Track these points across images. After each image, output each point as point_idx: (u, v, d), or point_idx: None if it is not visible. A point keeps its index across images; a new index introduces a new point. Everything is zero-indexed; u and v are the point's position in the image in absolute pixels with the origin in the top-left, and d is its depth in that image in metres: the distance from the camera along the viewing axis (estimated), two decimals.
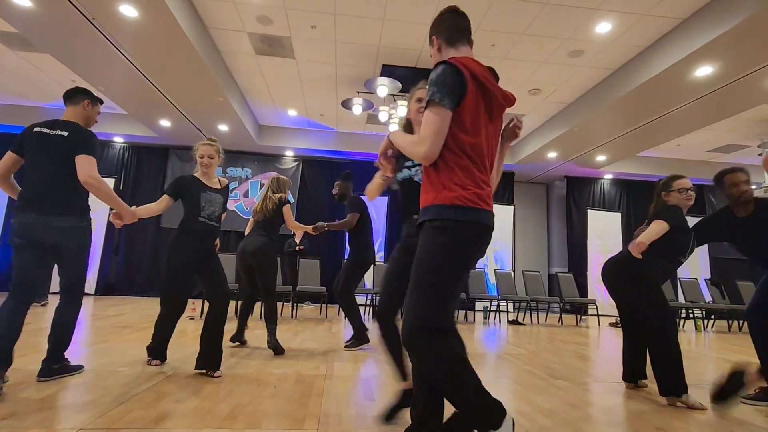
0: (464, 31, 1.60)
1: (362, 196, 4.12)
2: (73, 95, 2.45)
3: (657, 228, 2.43)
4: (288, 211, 3.61)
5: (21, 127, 7.96)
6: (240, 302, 3.87)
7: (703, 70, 4.74)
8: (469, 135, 1.42)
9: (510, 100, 1.63)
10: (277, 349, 3.34)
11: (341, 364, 3.07)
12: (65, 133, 2.30)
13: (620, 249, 9.02)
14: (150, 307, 6.38)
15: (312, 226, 3.79)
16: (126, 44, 4.85)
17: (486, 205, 1.44)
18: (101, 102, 2.58)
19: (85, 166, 2.26)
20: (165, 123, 7.45)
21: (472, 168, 1.41)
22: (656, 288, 2.52)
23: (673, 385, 2.38)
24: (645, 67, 5.12)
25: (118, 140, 8.69)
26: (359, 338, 3.82)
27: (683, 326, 7.36)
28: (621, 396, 2.57)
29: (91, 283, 8.01)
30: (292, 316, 6.01)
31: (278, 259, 3.66)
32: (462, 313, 7.27)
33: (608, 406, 2.35)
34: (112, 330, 4.03)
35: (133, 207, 2.59)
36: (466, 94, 1.41)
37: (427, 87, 1.69)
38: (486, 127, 1.49)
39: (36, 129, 2.29)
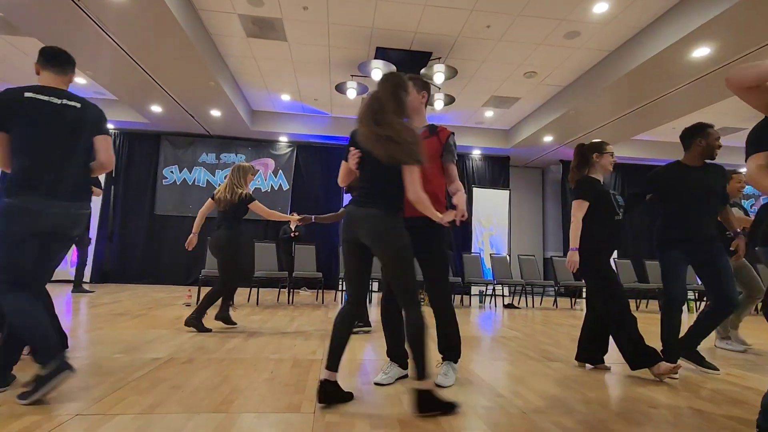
0: None
1: None
2: (64, 63, 2.06)
3: (578, 211, 2.68)
4: (258, 207, 3.68)
5: None
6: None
7: (700, 51, 4.70)
8: None
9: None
10: (191, 323, 3.45)
11: None
12: (77, 105, 1.98)
13: None
14: (146, 294, 6.36)
15: (298, 217, 3.73)
16: (113, 27, 4.72)
17: None
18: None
19: (108, 148, 2.07)
20: (156, 109, 7.33)
21: None
22: (600, 267, 2.60)
23: (634, 359, 2.47)
24: (641, 49, 5.07)
25: (109, 126, 8.53)
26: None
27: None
28: (614, 376, 2.60)
29: (86, 271, 7.96)
30: (288, 302, 6.03)
31: (238, 247, 3.74)
32: (458, 297, 7.32)
33: (602, 386, 2.38)
34: (107, 317, 4.02)
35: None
36: None
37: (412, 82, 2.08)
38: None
39: (29, 95, 1.88)
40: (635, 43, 5.19)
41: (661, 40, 4.77)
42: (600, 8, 4.67)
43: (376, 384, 2.20)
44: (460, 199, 2.05)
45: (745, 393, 2.31)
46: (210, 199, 3.84)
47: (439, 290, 2.27)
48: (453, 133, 2.32)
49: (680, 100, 6.02)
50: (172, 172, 8.67)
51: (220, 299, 3.76)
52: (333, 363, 1.85)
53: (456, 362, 2.32)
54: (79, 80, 6.94)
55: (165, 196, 8.59)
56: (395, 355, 2.31)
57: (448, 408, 1.79)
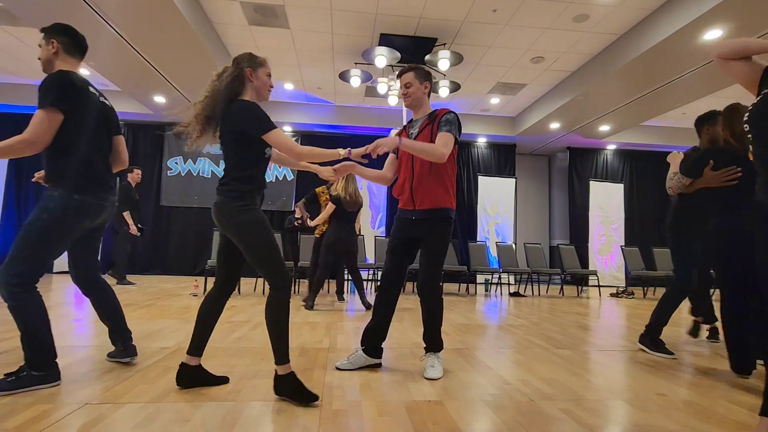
0: None
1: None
2: (86, 51, 2.07)
3: None
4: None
5: (11, 106, 7.82)
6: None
7: (712, 34, 4.58)
8: None
9: None
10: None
11: (344, 336, 3.09)
12: (108, 103, 2.09)
13: (622, 220, 9.03)
14: (153, 285, 6.42)
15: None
16: (114, 16, 4.68)
17: None
18: None
19: (125, 147, 2.20)
20: (159, 99, 7.30)
21: None
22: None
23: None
24: (652, 32, 4.95)
25: None
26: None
27: None
28: (622, 363, 2.59)
29: None
30: (294, 292, 6.06)
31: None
32: (464, 285, 7.32)
33: (609, 373, 2.36)
34: None
35: None
36: None
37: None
38: None
39: (91, 89, 1.95)
40: (645, 26, 5.07)
41: (672, 23, 4.65)
42: None
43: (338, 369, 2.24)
44: (405, 142, 2.09)
45: (757, 382, 2.29)
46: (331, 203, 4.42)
47: (427, 279, 2.24)
48: (451, 111, 2.25)
49: (692, 84, 5.89)
50: (176, 163, 8.68)
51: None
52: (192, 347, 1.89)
53: (439, 353, 2.28)
54: (82, 71, 6.92)
55: (170, 187, 8.61)
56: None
57: (308, 397, 1.72)
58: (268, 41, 5.95)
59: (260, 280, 6.34)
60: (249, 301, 4.86)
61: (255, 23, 5.48)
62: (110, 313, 2.21)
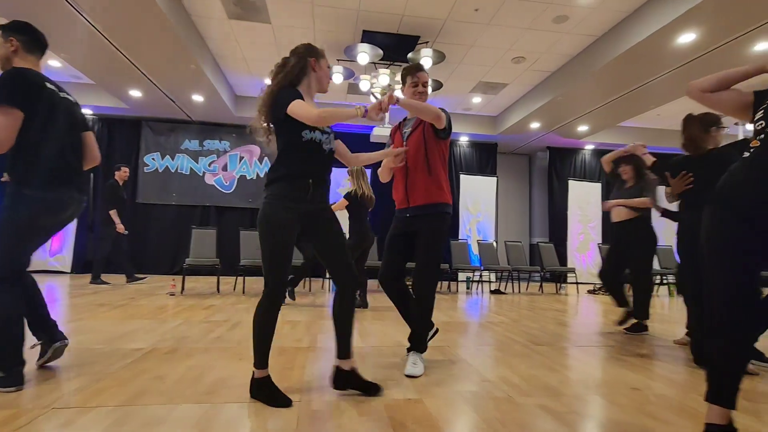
0: None
1: None
2: (45, 48, 2.02)
3: None
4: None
5: None
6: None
7: (686, 37, 4.70)
8: None
9: None
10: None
11: (324, 335, 3.06)
12: (72, 99, 2.04)
13: (599, 218, 9.22)
14: (128, 285, 6.24)
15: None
16: (87, 6, 4.51)
17: None
18: None
19: (95, 144, 2.14)
20: (135, 93, 7.10)
21: None
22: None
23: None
24: (629, 34, 5.06)
25: (87, 112, 8.27)
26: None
27: (657, 291, 7.62)
28: (598, 359, 2.64)
29: (66, 261, 7.80)
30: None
31: None
32: (445, 283, 7.36)
33: (586, 368, 2.41)
34: (88, 307, 3.92)
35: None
36: None
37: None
38: None
39: (49, 86, 1.90)
40: (622, 29, 5.17)
41: (647, 26, 4.75)
42: None
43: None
44: (405, 99, 2.13)
45: None
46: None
47: (424, 279, 2.25)
48: (443, 110, 2.28)
49: (666, 86, 6.05)
50: (153, 159, 8.46)
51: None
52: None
53: (422, 353, 2.28)
54: (53, 63, 6.68)
55: (147, 184, 8.39)
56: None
57: (277, 402, 1.68)
58: (249, 36, 5.84)
59: (239, 279, 6.24)
60: (228, 300, 4.78)
61: (235, 17, 5.37)
62: (30, 301, 2.04)
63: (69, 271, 7.74)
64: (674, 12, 4.36)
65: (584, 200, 9.01)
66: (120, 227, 6.03)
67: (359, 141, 8.77)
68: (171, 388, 1.85)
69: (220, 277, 5.82)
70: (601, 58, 5.57)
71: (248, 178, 8.69)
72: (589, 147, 9.74)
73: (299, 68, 1.83)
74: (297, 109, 1.68)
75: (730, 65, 1.65)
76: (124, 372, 2.05)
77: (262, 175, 8.73)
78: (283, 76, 1.81)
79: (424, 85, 2.31)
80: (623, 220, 3.68)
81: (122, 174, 6.31)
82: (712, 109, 1.67)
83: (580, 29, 5.41)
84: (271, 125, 1.82)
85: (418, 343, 2.27)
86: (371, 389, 1.82)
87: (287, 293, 4.39)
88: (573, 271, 7.44)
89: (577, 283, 7.58)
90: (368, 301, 4.61)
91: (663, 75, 5.68)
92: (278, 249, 1.74)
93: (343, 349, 1.82)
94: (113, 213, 6.00)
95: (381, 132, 6.69)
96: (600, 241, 8.61)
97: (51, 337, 2.03)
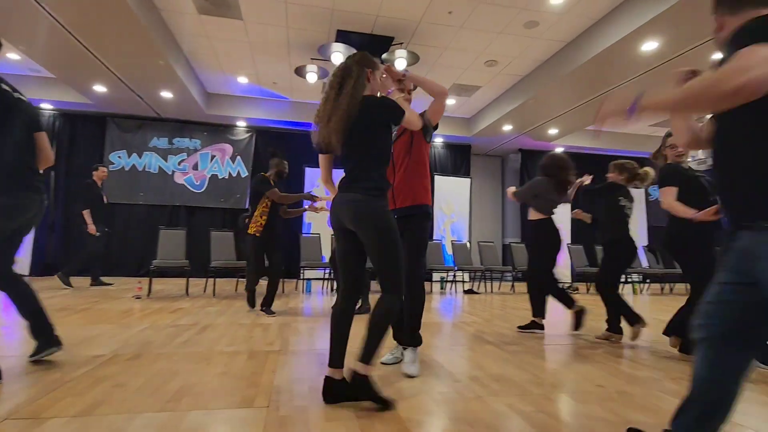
0: None
1: None
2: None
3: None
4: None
5: None
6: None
7: (650, 45, 4.89)
8: None
9: None
10: None
11: (297, 338, 3.02)
12: (23, 98, 2.01)
13: (568, 218, 9.48)
14: (92, 287, 5.99)
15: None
16: None
17: None
18: None
19: (48, 144, 2.11)
20: (100, 88, 6.82)
21: None
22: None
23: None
24: (596, 41, 5.22)
25: (47, 107, 7.89)
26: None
27: (622, 289, 7.90)
28: (566, 357, 2.71)
29: (24, 264, 7.41)
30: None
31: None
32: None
33: (553, 367, 2.46)
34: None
35: None
36: None
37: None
38: None
39: (4, 87, 1.91)
40: (590, 35, 5.33)
41: (613, 33, 4.92)
42: None
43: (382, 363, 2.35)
44: (412, 74, 2.34)
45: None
46: None
47: (417, 278, 2.31)
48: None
49: (631, 92, 6.26)
50: (119, 157, 8.15)
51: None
52: (334, 359, 1.78)
53: (417, 348, 2.34)
54: (12, 56, 6.34)
55: (112, 182, 8.06)
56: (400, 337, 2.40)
57: (380, 402, 1.72)
58: (220, 32, 5.71)
59: (210, 281, 6.09)
60: (198, 303, 4.65)
61: (205, 12, 5.23)
62: (28, 305, 2.10)
63: (27, 273, 7.36)
64: (638, 20, 4.52)
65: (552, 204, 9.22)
66: (91, 228, 5.87)
67: None
68: (132, 396, 1.78)
69: (190, 279, 5.66)
70: (569, 63, 5.72)
71: (220, 177, 8.49)
72: (559, 150, 9.99)
73: (364, 78, 1.85)
74: (409, 116, 1.84)
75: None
76: (82, 380, 1.96)
77: (234, 175, 8.55)
78: (353, 88, 1.80)
79: (410, 92, 2.49)
80: (532, 219, 3.73)
81: (100, 173, 6.20)
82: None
83: (550, 35, 5.54)
84: (366, 131, 1.80)
85: (413, 338, 2.34)
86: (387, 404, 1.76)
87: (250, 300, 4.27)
88: None
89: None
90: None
91: (628, 81, 5.88)
92: (401, 252, 1.79)
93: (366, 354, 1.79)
94: (86, 213, 5.87)
95: None
96: (569, 242, 8.85)
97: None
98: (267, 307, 4.03)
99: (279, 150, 4.56)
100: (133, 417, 1.57)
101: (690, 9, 4.13)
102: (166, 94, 6.99)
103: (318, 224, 8.16)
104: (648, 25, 4.46)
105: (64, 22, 4.76)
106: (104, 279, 6.33)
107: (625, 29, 4.71)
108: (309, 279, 6.97)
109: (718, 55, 1.16)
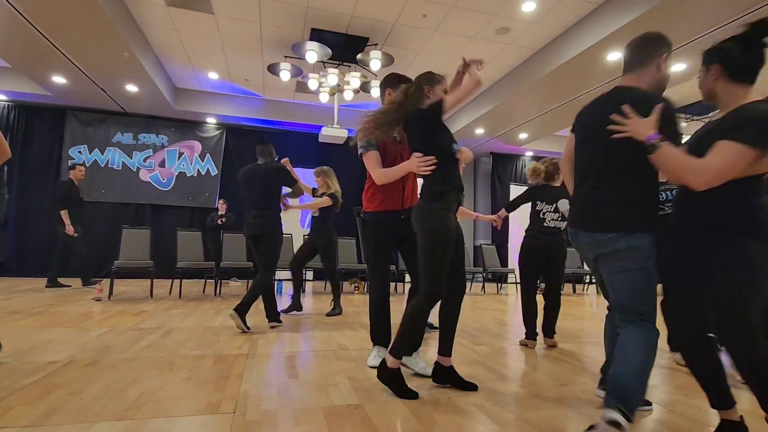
0: None
1: None
2: None
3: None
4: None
5: None
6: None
7: (614, 56, 5.08)
8: None
9: None
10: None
11: (265, 341, 2.96)
12: None
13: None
14: (47, 289, 5.69)
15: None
16: None
17: None
18: None
19: (4, 139, 2.04)
20: (59, 79, 6.49)
21: None
22: None
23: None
24: (563, 50, 5.38)
25: (1, 98, 7.45)
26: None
27: (586, 290, 8.18)
28: (534, 357, 2.77)
29: None
30: (215, 294, 5.71)
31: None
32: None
33: (522, 366, 2.52)
34: None
35: None
36: None
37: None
38: None
39: None
40: (559, 44, 5.50)
41: (579, 43, 5.09)
42: (528, 7, 4.86)
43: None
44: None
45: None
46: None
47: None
48: None
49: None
50: (80, 152, 7.77)
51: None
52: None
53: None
54: None
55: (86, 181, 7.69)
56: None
57: (406, 394, 1.89)
58: (189, 25, 5.54)
59: (176, 282, 5.89)
60: (163, 305, 4.49)
61: (173, 4, 5.06)
62: None
63: None
64: (603, 31, 4.70)
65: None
66: (69, 229, 5.72)
67: (308, 140, 8.63)
68: (88, 404, 1.69)
69: (154, 281, 5.45)
70: (538, 70, 5.88)
71: (188, 175, 8.23)
72: (529, 153, 10.26)
73: (420, 94, 2.17)
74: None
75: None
76: (34, 388, 1.85)
77: (203, 173, 8.31)
78: (408, 102, 2.17)
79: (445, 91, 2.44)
80: None
81: (77, 173, 6.04)
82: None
83: (521, 42, 5.68)
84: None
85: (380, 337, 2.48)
86: (469, 387, 2.03)
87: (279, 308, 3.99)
88: (513, 271, 7.79)
89: (516, 283, 7.94)
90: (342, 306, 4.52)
91: (594, 89, 6.09)
92: (448, 257, 1.97)
93: (445, 346, 2.07)
94: (64, 214, 5.71)
95: (329, 132, 6.61)
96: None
97: None
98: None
99: (252, 147, 4.55)
100: (89, 426, 1.49)
101: (651, 22, 4.32)
102: (132, 88, 6.73)
103: (290, 225, 8.04)
104: (612, 36, 4.64)
105: (22, 10, 4.50)
106: (62, 281, 6.01)
107: (591, 40, 4.88)
108: (280, 280, 6.86)
109: (677, 67, 1.27)
